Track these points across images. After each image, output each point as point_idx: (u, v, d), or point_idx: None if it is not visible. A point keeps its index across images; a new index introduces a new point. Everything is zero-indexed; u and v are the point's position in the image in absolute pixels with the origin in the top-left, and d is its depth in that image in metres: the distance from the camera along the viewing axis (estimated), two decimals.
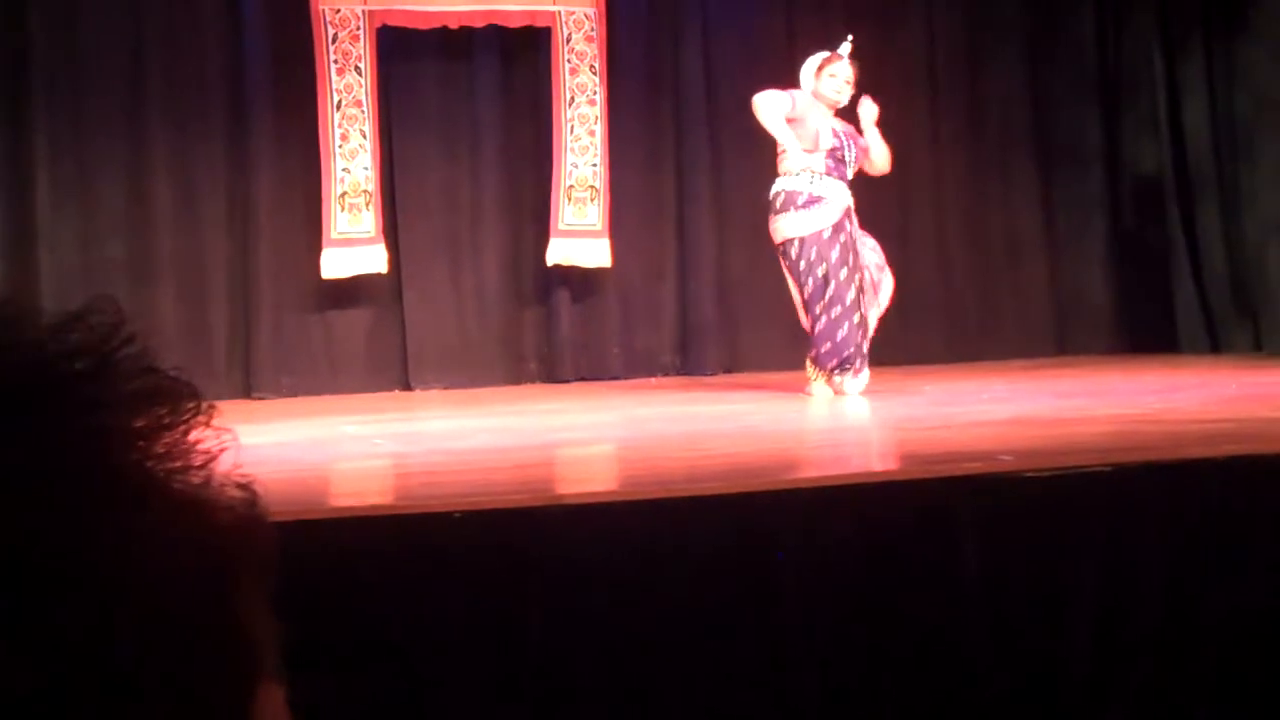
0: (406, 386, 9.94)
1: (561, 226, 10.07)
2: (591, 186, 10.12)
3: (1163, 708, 4.79)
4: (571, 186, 10.10)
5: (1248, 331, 10.56)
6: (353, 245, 9.78)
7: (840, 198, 8.44)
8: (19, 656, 0.52)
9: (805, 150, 8.41)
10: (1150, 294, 11.00)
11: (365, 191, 9.81)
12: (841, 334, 8.35)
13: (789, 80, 8.75)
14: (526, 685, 4.35)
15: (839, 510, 4.59)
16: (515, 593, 4.36)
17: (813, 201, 8.36)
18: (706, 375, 10.16)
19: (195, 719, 0.56)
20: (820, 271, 8.32)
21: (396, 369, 10.01)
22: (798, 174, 8.39)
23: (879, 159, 8.64)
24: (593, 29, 10.16)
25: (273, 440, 6.50)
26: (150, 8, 9.64)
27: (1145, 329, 11.02)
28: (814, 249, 8.33)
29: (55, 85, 9.43)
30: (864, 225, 8.61)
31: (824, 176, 8.41)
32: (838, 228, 8.38)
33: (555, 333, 10.20)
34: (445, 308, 10.10)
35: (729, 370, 10.31)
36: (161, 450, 0.58)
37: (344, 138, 9.80)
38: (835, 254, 8.33)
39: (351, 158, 9.81)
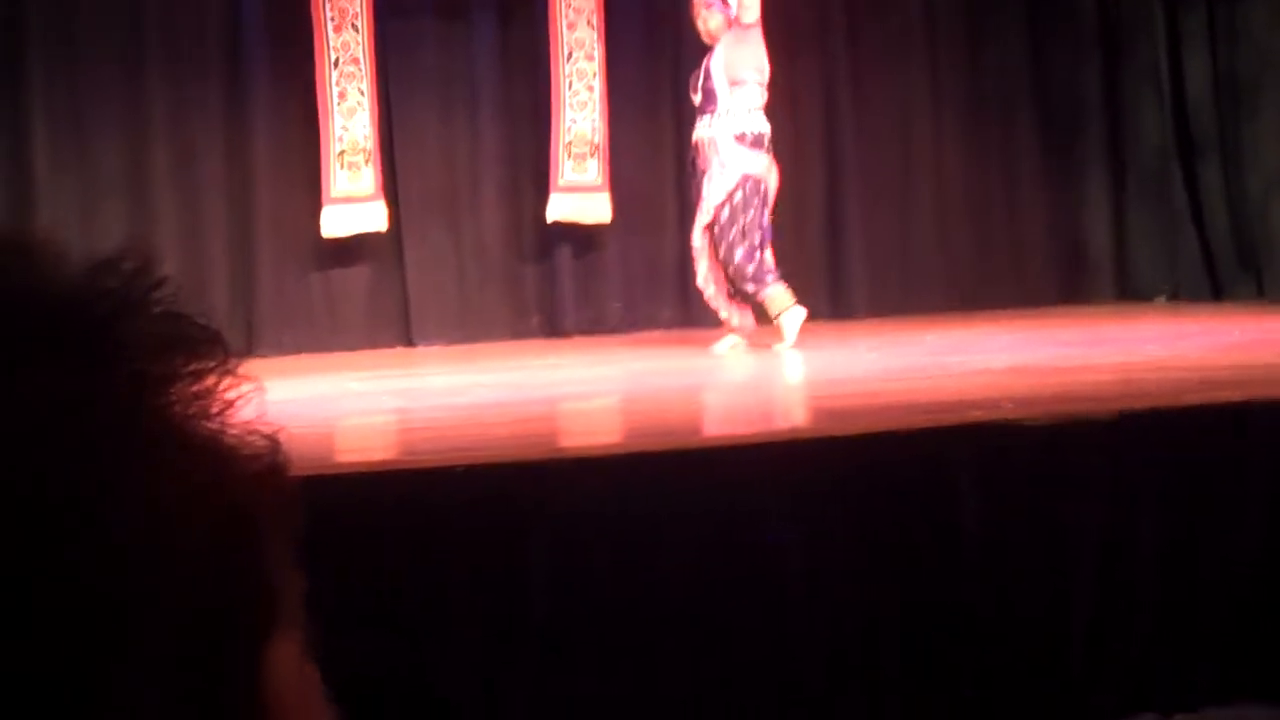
0: (409, 342, 9.95)
1: (561, 182, 10.05)
2: (591, 142, 10.09)
3: (1165, 655, 4.81)
4: (570, 142, 10.07)
5: (1250, 283, 10.54)
6: (352, 203, 9.76)
7: (700, 130, 8.55)
8: (29, 594, 0.52)
9: (759, 83, 8.50)
10: (1151, 244, 10.99)
11: (364, 149, 9.79)
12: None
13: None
14: (529, 638, 4.36)
15: (841, 460, 4.59)
16: (518, 546, 4.37)
17: (759, 139, 8.46)
18: (707, 329, 10.15)
19: (206, 663, 0.56)
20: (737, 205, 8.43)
21: (398, 325, 10.01)
22: (757, 110, 8.51)
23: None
24: None
25: (276, 397, 6.45)
26: None
27: (1146, 278, 11.01)
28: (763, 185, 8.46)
29: (51, 46, 9.40)
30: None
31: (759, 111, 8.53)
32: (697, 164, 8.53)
33: (556, 288, 10.19)
34: (446, 264, 10.09)
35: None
36: (185, 396, 0.58)
37: (342, 96, 9.77)
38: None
39: (350, 116, 9.78)
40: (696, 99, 8.58)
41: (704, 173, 8.48)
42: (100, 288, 0.58)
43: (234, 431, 0.60)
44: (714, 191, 8.40)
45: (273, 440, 0.62)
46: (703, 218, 8.46)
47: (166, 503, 0.56)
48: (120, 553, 0.54)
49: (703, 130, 8.52)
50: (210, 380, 0.59)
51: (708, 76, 8.53)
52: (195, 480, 0.57)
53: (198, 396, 0.59)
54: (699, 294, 8.71)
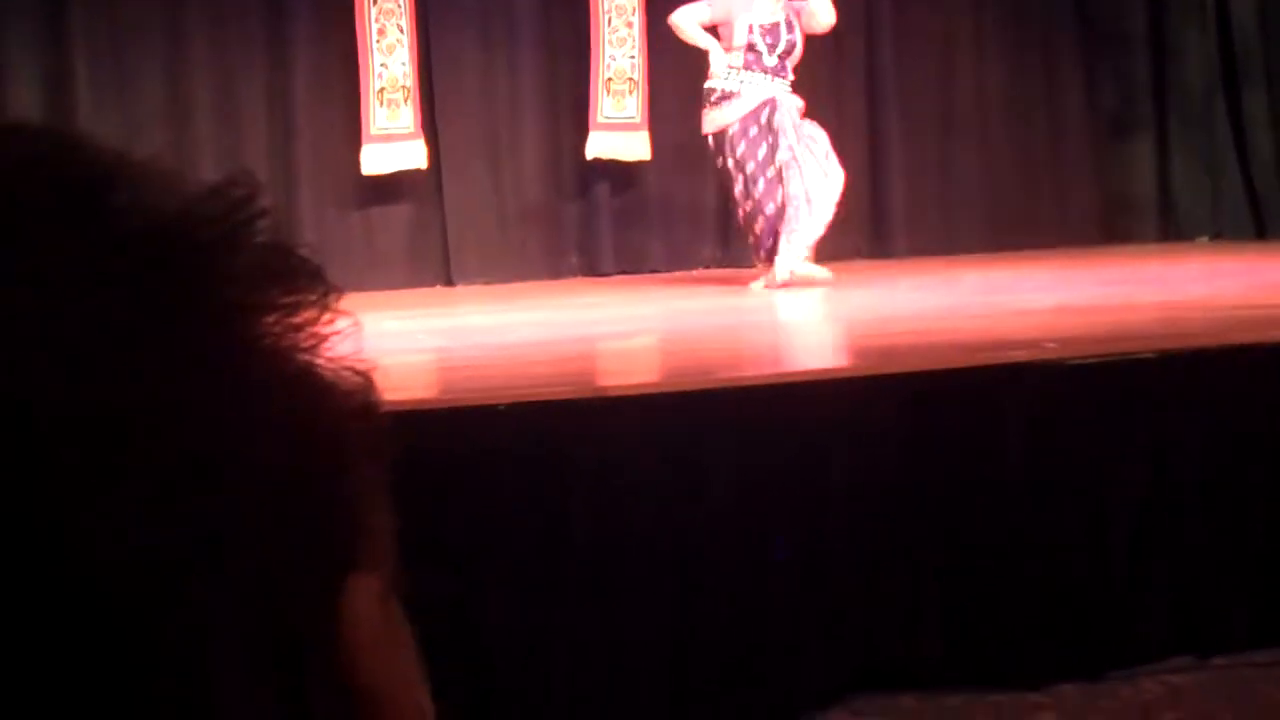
0: (448, 282, 9.95)
1: (600, 119, 10.02)
2: (630, 79, 10.05)
3: (1205, 597, 4.80)
4: (610, 79, 10.03)
5: None
6: (392, 141, 9.75)
7: (757, 91, 8.48)
8: (97, 514, 0.52)
9: (723, 50, 8.50)
10: (1195, 182, 10.91)
11: (404, 87, 9.77)
12: (759, 226, 8.44)
13: None
14: (570, 578, 4.37)
15: (884, 399, 4.58)
16: (558, 485, 4.37)
17: (724, 98, 8.49)
18: (748, 268, 10.13)
19: (283, 593, 0.56)
20: (731, 165, 8.45)
21: (438, 264, 10.01)
22: (717, 72, 8.53)
23: (820, 13, 8.61)
24: None
25: None
26: None
27: (1190, 217, 10.93)
28: (728, 143, 8.46)
29: None
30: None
31: (740, 71, 8.49)
32: (750, 120, 8.44)
33: (595, 226, 10.17)
34: (485, 202, 10.08)
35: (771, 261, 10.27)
36: (279, 327, 0.58)
37: (381, 33, 9.75)
38: (744, 148, 8.42)
39: (389, 53, 9.76)
40: (775, 53, 8.52)
41: (780, 130, 8.43)
42: (204, 213, 0.58)
43: (327, 365, 0.59)
44: (808, 142, 8.48)
45: (366, 377, 0.61)
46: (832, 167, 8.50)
47: (248, 427, 0.55)
48: (198, 470, 0.54)
49: (782, 91, 8.51)
50: (307, 313, 0.59)
51: (790, 28, 8.52)
52: (281, 408, 0.57)
53: (292, 328, 0.58)
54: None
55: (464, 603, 4.20)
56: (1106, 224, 10.98)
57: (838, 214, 8.68)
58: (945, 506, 4.60)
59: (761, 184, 8.37)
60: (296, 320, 0.58)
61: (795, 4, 8.62)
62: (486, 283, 9.81)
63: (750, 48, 8.49)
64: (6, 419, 0.52)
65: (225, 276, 0.57)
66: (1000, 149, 10.89)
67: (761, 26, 8.54)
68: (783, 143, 8.41)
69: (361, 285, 9.30)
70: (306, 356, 0.58)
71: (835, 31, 9.83)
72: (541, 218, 10.18)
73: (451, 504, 4.22)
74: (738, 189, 8.47)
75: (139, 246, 0.56)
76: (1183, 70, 10.99)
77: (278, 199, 9.72)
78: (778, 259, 8.35)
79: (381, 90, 9.74)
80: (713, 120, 8.49)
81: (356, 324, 0.60)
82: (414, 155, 9.78)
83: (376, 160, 9.73)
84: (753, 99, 8.45)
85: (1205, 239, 10.78)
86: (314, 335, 0.59)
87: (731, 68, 8.49)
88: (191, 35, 9.61)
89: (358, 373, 0.60)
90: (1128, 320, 5.97)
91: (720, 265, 10.16)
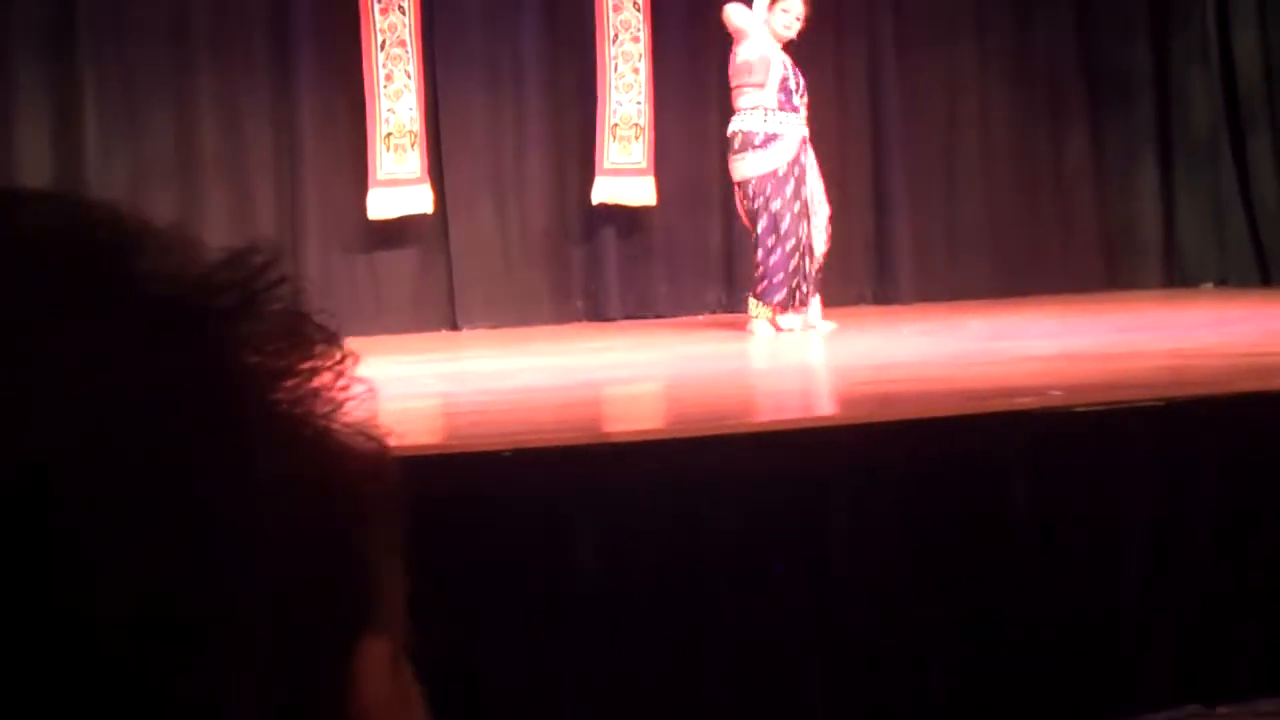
0: (454, 326, 9.96)
1: (606, 165, 10.04)
2: (636, 124, 10.08)
3: (1211, 646, 4.78)
4: (616, 124, 10.06)
5: None
6: (398, 186, 9.77)
7: (794, 132, 8.54)
8: (113, 578, 0.53)
9: (757, 85, 8.52)
10: (1200, 227, 10.91)
11: (410, 132, 9.80)
12: (788, 269, 8.47)
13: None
14: (575, 625, 4.36)
15: (889, 447, 4.57)
16: (564, 532, 4.37)
17: (769, 140, 8.52)
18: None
19: (293, 657, 0.56)
20: (773, 208, 8.49)
21: (443, 308, 10.02)
22: (751, 111, 8.53)
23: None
24: None
25: None
26: None
27: (1195, 262, 10.94)
28: (768, 186, 8.50)
29: (101, 29, 9.44)
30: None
31: (777, 112, 8.54)
32: (791, 163, 8.50)
33: (601, 271, 10.19)
34: (491, 247, 10.10)
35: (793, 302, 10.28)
36: (296, 393, 0.59)
37: (388, 78, 9.78)
38: (789, 190, 8.49)
39: (396, 98, 9.79)
40: (803, 97, 8.59)
41: (805, 168, 8.52)
42: (224, 280, 0.59)
43: (343, 430, 0.60)
44: (816, 180, 8.62)
45: (381, 441, 0.62)
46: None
47: (264, 491, 0.56)
48: (212, 536, 0.55)
49: (802, 127, 8.56)
50: (323, 379, 0.60)
51: (799, 73, 8.58)
52: (296, 473, 0.58)
53: (309, 394, 0.60)
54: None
55: (468, 651, 4.19)
56: (1111, 269, 10.99)
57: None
58: (950, 555, 4.58)
59: (788, 220, 8.43)
60: (313, 385, 0.59)
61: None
62: (492, 327, 9.82)
63: (783, 86, 8.55)
64: (26, 483, 0.53)
65: (244, 343, 0.58)
66: (1005, 194, 10.91)
67: (790, 64, 8.63)
68: (808, 179, 8.52)
69: (367, 329, 9.32)
70: (323, 422, 0.60)
71: (839, 77, 9.88)
72: (547, 262, 10.20)
73: (457, 550, 4.22)
74: (764, 228, 8.47)
75: (160, 313, 0.57)
76: (1187, 116, 11.01)
77: (284, 243, 9.73)
78: (805, 304, 8.44)
79: (388, 135, 9.76)
80: (756, 164, 8.50)
81: (371, 389, 0.61)
82: (420, 200, 9.80)
83: (383, 205, 9.75)
84: (793, 141, 8.51)
85: (1210, 285, 10.78)
86: (330, 400, 0.60)
87: (767, 109, 8.50)
88: (199, 80, 9.64)
89: (372, 437, 0.61)
90: (1134, 367, 5.97)
91: (726, 310, 10.16)
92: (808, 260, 8.50)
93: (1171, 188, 11.10)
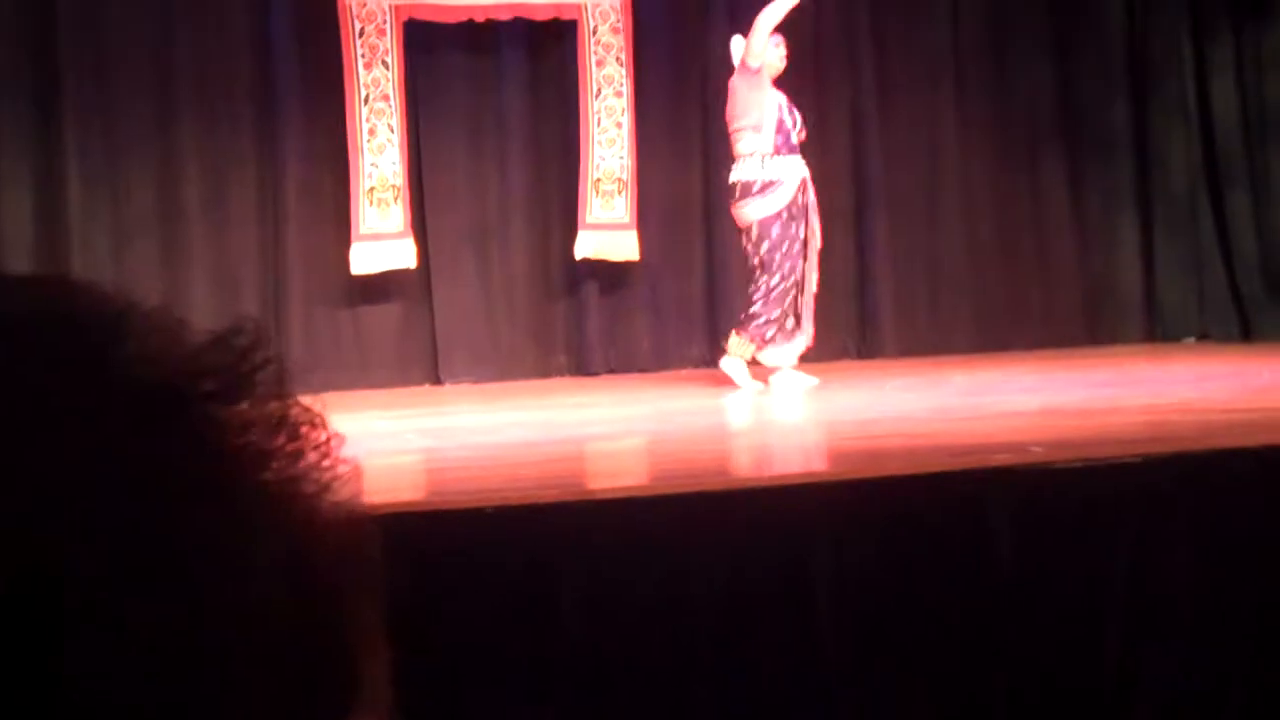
0: (436, 381, 9.96)
1: (589, 220, 10.07)
2: (619, 179, 10.11)
3: (1193, 699, 4.78)
4: (599, 179, 10.09)
5: (1279, 319, 10.51)
6: (382, 240, 9.78)
7: (793, 174, 8.61)
8: (99, 657, 0.53)
9: (753, 129, 8.55)
10: (1180, 283, 10.96)
11: (394, 186, 9.82)
12: (782, 305, 8.52)
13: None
14: (559, 680, 4.35)
15: (871, 503, 4.58)
16: (547, 589, 4.36)
17: (767, 186, 8.55)
18: None
19: None
20: (764, 249, 8.52)
21: (426, 363, 10.02)
22: (748, 158, 8.56)
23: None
24: (619, 20, 10.15)
25: None
26: (178, 3, 9.66)
27: (1175, 317, 10.98)
28: (772, 228, 8.53)
29: (83, 85, 9.45)
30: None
31: (773, 157, 8.57)
32: (790, 204, 8.56)
33: (584, 326, 10.20)
34: (474, 302, 10.11)
35: (759, 362, 10.30)
36: (283, 475, 0.60)
37: (372, 132, 9.81)
38: (790, 230, 8.53)
39: (380, 152, 9.81)
40: (800, 135, 8.65)
41: (806, 207, 8.56)
42: (209, 364, 0.60)
43: (328, 510, 0.61)
44: (815, 218, 8.69)
45: (365, 521, 0.63)
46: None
47: (251, 575, 0.57)
48: (199, 617, 0.55)
49: (801, 167, 8.64)
50: (309, 460, 0.61)
51: (793, 110, 8.64)
52: (283, 556, 0.58)
53: (295, 476, 0.60)
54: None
55: (453, 706, 4.18)
56: (1093, 324, 11.03)
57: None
58: (932, 611, 4.59)
59: (786, 260, 8.48)
60: (299, 468, 0.60)
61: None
62: (475, 382, 9.82)
63: (780, 127, 8.58)
64: (11, 566, 0.53)
65: (230, 426, 0.59)
66: (986, 250, 10.95)
67: (786, 103, 8.66)
68: (810, 220, 8.57)
69: (350, 384, 9.32)
70: (308, 504, 0.60)
71: (821, 131, 9.91)
72: (530, 317, 10.21)
73: (439, 607, 4.21)
74: (763, 267, 8.51)
75: (146, 397, 0.58)
76: (1166, 171, 11.07)
77: (267, 298, 9.74)
78: (791, 339, 8.48)
79: (371, 189, 9.78)
80: (758, 209, 8.53)
81: (357, 469, 0.62)
82: (403, 255, 9.81)
83: (366, 260, 9.76)
84: (792, 184, 8.57)
85: (1191, 340, 10.82)
86: (316, 483, 0.60)
87: (764, 155, 8.55)
88: (182, 135, 9.65)
89: (356, 518, 0.62)
90: (1114, 423, 5.99)
91: (709, 364, 10.17)
92: (799, 296, 8.55)
93: (1152, 242, 11.15)
